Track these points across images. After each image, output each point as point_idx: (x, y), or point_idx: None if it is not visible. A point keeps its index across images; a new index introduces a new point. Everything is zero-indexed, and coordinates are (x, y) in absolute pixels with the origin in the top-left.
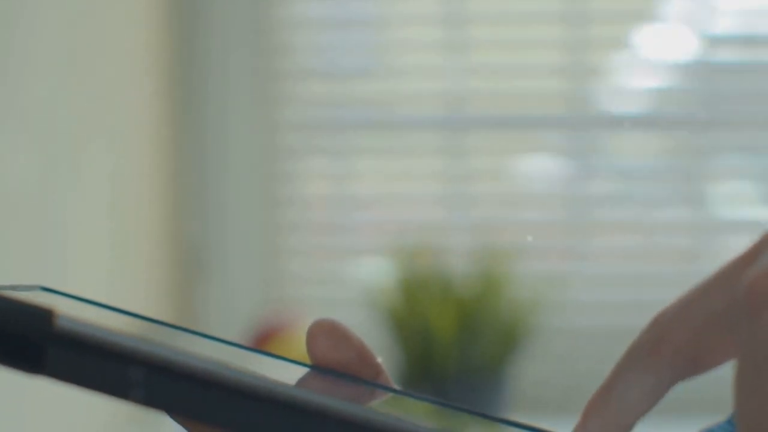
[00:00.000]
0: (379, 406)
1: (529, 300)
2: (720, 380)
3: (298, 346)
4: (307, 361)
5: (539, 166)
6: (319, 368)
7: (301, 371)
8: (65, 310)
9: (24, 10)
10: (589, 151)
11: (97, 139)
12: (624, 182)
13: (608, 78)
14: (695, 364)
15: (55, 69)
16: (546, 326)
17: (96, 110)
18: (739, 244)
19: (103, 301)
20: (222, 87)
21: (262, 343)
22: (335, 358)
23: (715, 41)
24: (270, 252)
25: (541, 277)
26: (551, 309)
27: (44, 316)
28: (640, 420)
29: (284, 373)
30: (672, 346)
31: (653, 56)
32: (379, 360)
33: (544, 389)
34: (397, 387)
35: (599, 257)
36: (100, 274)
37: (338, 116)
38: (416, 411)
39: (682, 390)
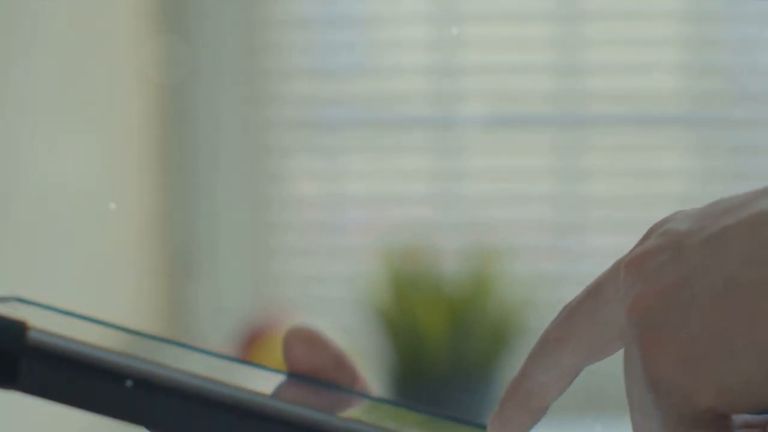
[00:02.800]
0: (356, 413)
1: (519, 299)
2: None
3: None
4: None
5: (528, 165)
6: (296, 375)
7: (279, 378)
8: (41, 321)
9: (23, 16)
10: (581, 151)
11: (87, 140)
12: (616, 181)
13: (601, 77)
14: (596, 352)
15: (48, 68)
16: (536, 325)
17: (87, 111)
18: None
19: (94, 300)
20: (212, 86)
21: (252, 342)
22: (312, 365)
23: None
24: (260, 252)
25: (532, 276)
26: (542, 308)
27: (17, 329)
28: (551, 402)
29: (263, 381)
30: (573, 338)
31: (647, 56)
32: (357, 367)
33: None
34: (374, 394)
35: (590, 257)
36: (90, 275)
37: (329, 115)
38: (393, 418)
39: None
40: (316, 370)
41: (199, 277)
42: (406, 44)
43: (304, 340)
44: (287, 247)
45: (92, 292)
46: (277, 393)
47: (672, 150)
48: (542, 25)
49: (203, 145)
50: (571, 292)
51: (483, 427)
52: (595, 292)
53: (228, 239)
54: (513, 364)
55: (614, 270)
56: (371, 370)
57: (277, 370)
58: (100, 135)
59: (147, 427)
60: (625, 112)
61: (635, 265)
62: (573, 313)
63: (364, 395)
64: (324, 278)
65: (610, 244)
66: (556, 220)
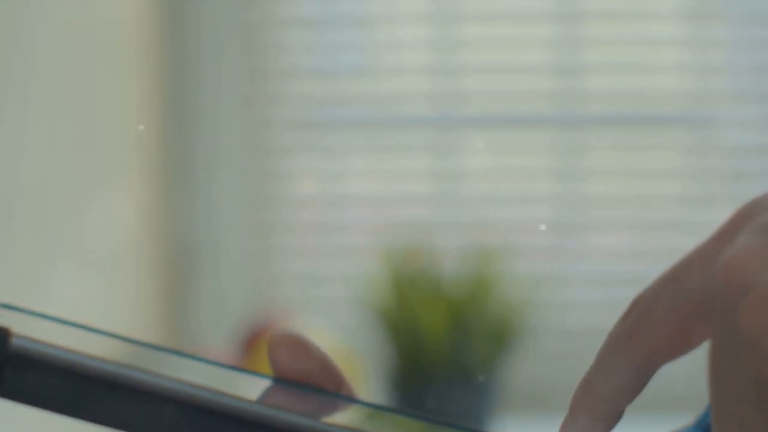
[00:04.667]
0: (342, 418)
1: (519, 299)
2: (694, 378)
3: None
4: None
5: (528, 165)
6: (281, 381)
7: (265, 383)
8: (27, 328)
9: (22, 13)
10: (581, 151)
11: (87, 140)
12: (616, 181)
13: (601, 77)
14: (675, 348)
15: (48, 68)
16: (536, 325)
17: (87, 110)
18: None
19: (94, 301)
20: (212, 86)
21: (252, 342)
22: (297, 369)
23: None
24: (260, 251)
25: (532, 276)
26: (542, 308)
27: (0, 336)
28: (627, 406)
29: (250, 386)
30: (649, 331)
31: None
32: (342, 371)
33: (534, 388)
34: (360, 398)
35: (590, 257)
36: (90, 275)
37: (329, 115)
38: (379, 422)
39: (654, 388)
40: (301, 375)
41: (200, 277)
42: (406, 44)
43: (288, 344)
44: (287, 247)
45: (92, 293)
46: (263, 398)
47: (672, 150)
48: (542, 25)
49: (203, 145)
50: (571, 292)
51: (463, 428)
52: (672, 281)
53: (228, 239)
54: (513, 364)
55: (699, 259)
56: (371, 370)
57: (263, 375)
58: (100, 134)
59: None
60: (625, 112)
61: (741, 268)
62: (646, 303)
63: (350, 399)
64: (324, 278)
65: (610, 244)
66: (556, 220)
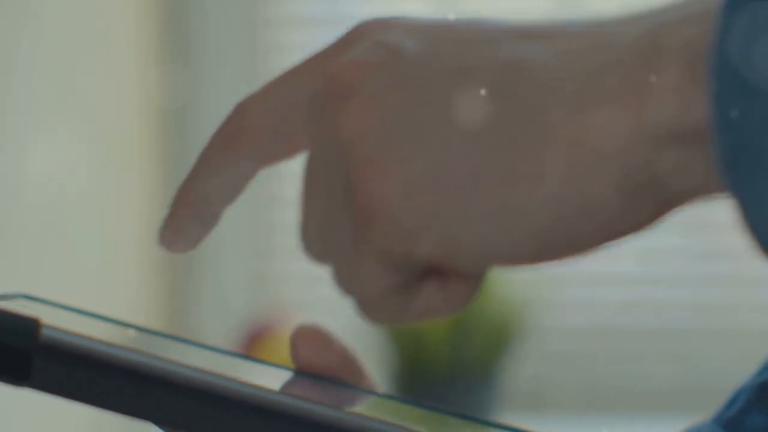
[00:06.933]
0: (363, 410)
1: (519, 299)
2: (706, 378)
3: (288, 347)
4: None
5: None
6: (303, 373)
7: (287, 376)
8: (49, 318)
9: (23, 23)
10: None
11: (86, 136)
12: None
13: None
14: (274, 153)
15: (49, 68)
16: (538, 325)
17: (86, 109)
18: (742, 245)
19: (93, 301)
20: (213, 87)
21: (253, 343)
22: (319, 362)
23: None
24: (261, 252)
25: (532, 276)
26: (543, 307)
27: (29, 326)
28: (225, 208)
29: (270, 378)
30: (253, 135)
31: None
32: (363, 365)
33: (535, 388)
34: (381, 391)
35: (590, 255)
36: (90, 274)
37: None
38: (400, 414)
39: (665, 387)
40: (324, 368)
41: (200, 277)
42: None
43: (311, 338)
44: (288, 247)
45: (93, 293)
46: (285, 390)
47: None
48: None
49: (204, 146)
50: (571, 292)
51: (491, 424)
52: (278, 87)
53: (228, 239)
54: (514, 364)
55: (308, 68)
56: (371, 370)
57: (285, 367)
58: (102, 134)
59: (158, 423)
60: None
61: (349, 73)
62: (251, 107)
63: (371, 392)
64: (324, 278)
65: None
66: None
